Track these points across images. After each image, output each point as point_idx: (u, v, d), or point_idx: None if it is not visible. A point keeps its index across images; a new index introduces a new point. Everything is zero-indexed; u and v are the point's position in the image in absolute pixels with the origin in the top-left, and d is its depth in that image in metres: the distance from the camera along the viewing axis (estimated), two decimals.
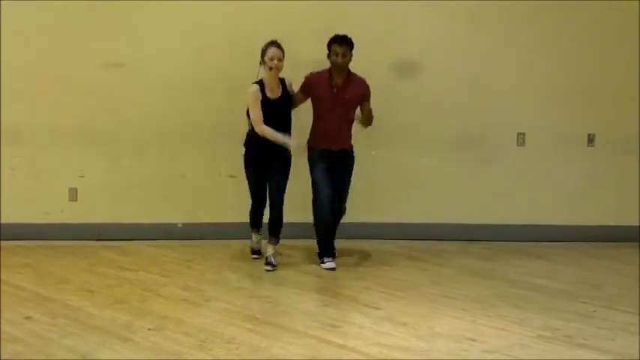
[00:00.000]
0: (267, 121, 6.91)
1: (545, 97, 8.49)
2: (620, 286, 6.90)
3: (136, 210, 8.25)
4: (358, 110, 7.31)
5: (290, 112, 7.15)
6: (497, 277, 7.10)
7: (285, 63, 6.94)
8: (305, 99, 7.24)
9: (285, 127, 7.00)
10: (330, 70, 7.12)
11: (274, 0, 7.98)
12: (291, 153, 6.95)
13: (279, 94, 7.02)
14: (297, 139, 7.01)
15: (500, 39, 8.41)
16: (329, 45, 7.05)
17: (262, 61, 6.90)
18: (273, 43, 6.89)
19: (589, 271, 7.45)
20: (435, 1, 8.29)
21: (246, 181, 7.22)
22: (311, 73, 7.21)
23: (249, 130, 7.09)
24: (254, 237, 7.51)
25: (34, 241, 7.93)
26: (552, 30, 8.39)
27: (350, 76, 7.17)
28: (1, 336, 5.24)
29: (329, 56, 7.06)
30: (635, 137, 8.52)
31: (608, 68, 8.47)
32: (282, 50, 6.90)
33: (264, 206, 7.27)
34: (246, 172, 7.19)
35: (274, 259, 7.17)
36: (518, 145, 8.54)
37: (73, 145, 8.10)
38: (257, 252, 7.53)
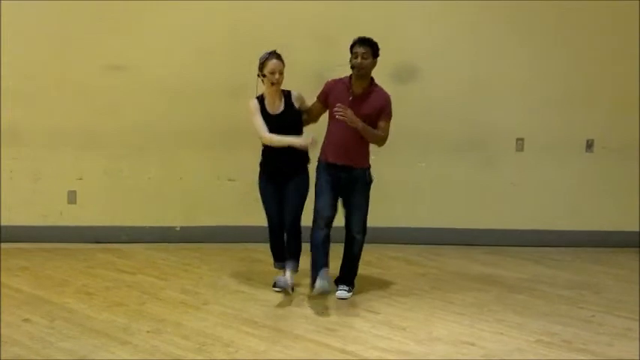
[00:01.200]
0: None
1: (543, 102, 8.48)
2: (619, 291, 6.90)
3: (134, 213, 8.24)
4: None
5: (298, 126, 6.46)
6: (495, 282, 7.09)
7: (285, 68, 6.45)
8: (323, 108, 6.52)
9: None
10: (349, 78, 6.38)
11: (276, 2, 7.98)
12: (305, 147, 6.29)
13: (282, 109, 6.39)
14: (307, 136, 6.36)
15: (499, 44, 8.41)
16: (351, 48, 6.32)
17: (261, 75, 6.33)
18: (273, 54, 6.30)
19: (588, 276, 7.45)
20: (435, 6, 8.29)
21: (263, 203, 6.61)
22: (332, 80, 6.48)
23: (262, 149, 6.52)
24: (280, 268, 6.73)
25: (33, 244, 7.93)
26: (551, 35, 8.39)
27: (372, 86, 6.42)
28: (1, 339, 5.24)
29: (350, 60, 6.32)
30: (633, 143, 8.51)
31: (607, 74, 8.47)
32: (283, 62, 6.32)
33: (283, 231, 6.61)
34: (260, 188, 6.60)
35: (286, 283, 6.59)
36: (517, 150, 8.54)
37: (72, 147, 8.10)
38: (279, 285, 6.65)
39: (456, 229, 8.51)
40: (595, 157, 8.58)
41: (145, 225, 8.25)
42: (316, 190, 6.48)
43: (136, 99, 8.10)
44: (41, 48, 7.96)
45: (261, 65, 6.30)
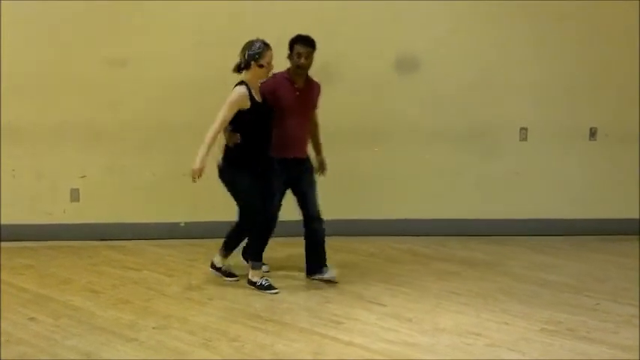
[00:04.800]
0: (262, 130, 6.34)
1: (547, 91, 8.49)
2: (623, 279, 6.90)
3: (138, 209, 8.24)
4: None
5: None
6: (500, 272, 7.10)
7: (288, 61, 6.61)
8: None
9: (271, 135, 6.44)
10: (288, 72, 6.62)
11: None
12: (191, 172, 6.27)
13: (262, 98, 6.42)
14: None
15: (502, 34, 8.41)
16: (291, 45, 6.55)
17: (258, 64, 6.26)
18: (268, 45, 6.29)
19: (592, 264, 7.45)
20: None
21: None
22: (268, 79, 6.52)
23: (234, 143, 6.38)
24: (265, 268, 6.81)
25: (37, 242, 7.93)
26: (555, 25, 8.39)
27: (308, 78, 6.72)
28: (6, 338, 5.24)
29: (290, 57, 6.56)
30: (637, 130, 8.51)
31: (610, 62, 8.47)
32: None
33: None
34: (243, 185, 6.42)
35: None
36: (520, 140, 8.54)
37: (74, 145, 8.09)
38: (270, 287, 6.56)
39: (460, 219, 8.51)
40: (598, 145, 8.58)
41: (149, 221, 8.25)
42: (274, 190, 6.55)
43: (139, 95, 8.09)
44: (42, 45, 7.94)
45: (258, 55, 6.25)
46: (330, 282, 6.65)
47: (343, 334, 5.38)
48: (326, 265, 6.77)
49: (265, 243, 6.56)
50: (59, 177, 8.13)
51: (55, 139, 8.06)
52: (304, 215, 6.77)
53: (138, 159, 8.18)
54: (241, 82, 6.31)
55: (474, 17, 8.36)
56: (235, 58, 6.35)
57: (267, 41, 6.31)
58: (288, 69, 6.63)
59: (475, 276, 6.96)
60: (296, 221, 6.80)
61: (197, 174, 6.22)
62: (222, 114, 6.25)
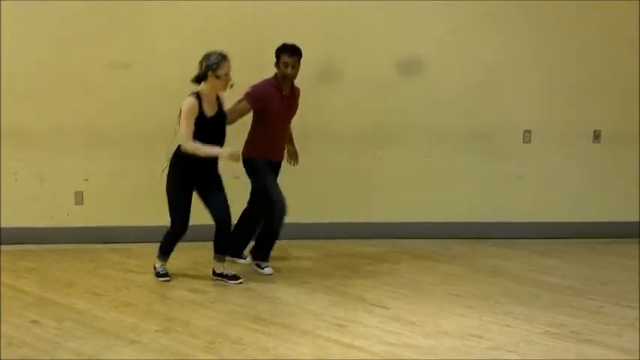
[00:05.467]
0: (201, 141, 6.36)
1: (551, 94, 8.48)
2: (626, 282, 6.89)
3: (141, 213, 8.23)
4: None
5: (225, 129, 6.59)
6: (503, 275, 7.10)
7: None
8: (250, 111, 6.88)
9: (220, 146, 6.50)
10: (275, 79, 6.85)
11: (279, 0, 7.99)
12: (228, 159, 6.47)
13: (216, 111, 6.52)
14: (228, 147, 6.56)
15: (507, 37, 8.40)
16: (277, 54, 6.79)
17: (215, 75, 6.36)
18: (225, 57, 6.40)
19: (595, 267, 7.44)
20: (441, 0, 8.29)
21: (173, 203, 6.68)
22: (259, 84, 6.87)
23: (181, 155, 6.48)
24: (164, 262, 6.97)
25: (40, 245, 7.94)
26: (559, 28, 8.38)
27: (293, 85, 6.97)
28: (8, 341, 5.25)
29: (277, 65, 6.79)
30: None
31: (614, 65, 8.45)
32: None
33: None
34: (175, 194, 6.64)
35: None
36: (524, 142, 8.53)
37: (77, 148, 8.09)
38: (166, 275, 6.89)
39: (463, 222, 8.51)
40: (602, 147, 8.57)
41: (152, 224, 8.23)
42: (267, 182, 6.92)
43: (142, 98, 8.09)
44: (45, 48, 7.95)
45: (215, 66, 6.35)
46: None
47: (346, 337, 5.38)
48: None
49: (168, 249, 6.96)
50: (62, 180, 8.14)
51: (58, 142, 8.06)
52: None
53: (141, 162, 8.17)
54: (194, 93, 6.43)
55: (476, 19, 8.35)
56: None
57: (225, 52, 6.42)
58: (276, 75, 6.84)
59: (478, 278, 6.96)
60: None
61: (235, 155, 6.45)
62: (182, 130, 6.37)
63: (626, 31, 8.41)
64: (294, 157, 7.28)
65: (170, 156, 6.59)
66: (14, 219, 8.01)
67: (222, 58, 6.36)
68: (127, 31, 8.05)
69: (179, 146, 6.46)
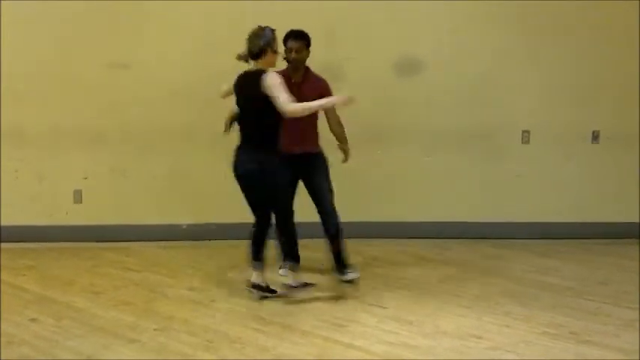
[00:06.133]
0: (275, 120, 6.08)
1: (549, 94, 8.47)
2: (625, 282, 6.88)
3: (140, 211, 8.26)
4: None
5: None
6: (502, 275, 7.10)
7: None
8: None
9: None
10: (287, 68, 6.66)
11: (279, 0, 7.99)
12: (343, 105, 6.21)
13: None
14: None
15: (505, 37, 8.39)
16: (284, 41, 6.57)
17: (273, 50, 6.16)
18: (274, 31, 6.22)
19: (594, 268, 7.44)
20: (441, 0, 8.30)
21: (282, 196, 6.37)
22: (277, 72, 6.45)
23: (268, 135, 6.16)
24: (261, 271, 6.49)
25: (39, 244, 7.95)
26: (558, 28, 8.37)
27: (308, 73, 6.70)
28: (7, 339, 5.26)
29: (285, 52, 6.58)
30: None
31: (613, 65, 8.44)
32: None
33: None
34: (280, 185, 6.30)
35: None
36: (522, 142, 8.52)
37: (76, 147, 8.11)
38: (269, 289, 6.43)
39: (462, 222, 8.51)
40: (601, 148, 8.55)
41: (151, 223, 8.26)
42: (284, 188, 6.44)
43: (141, 97, 8.11)
44: (44, 47, 7.97)
45: (272, 41, 6.16)
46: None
47: (345, 337, 5.39)
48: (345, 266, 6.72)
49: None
50: (61, 179, 8.15)
51: (58, 141, 8.08)
52: (319, 212, 6.78)
53: (140, 161, 8.19)
54: (262, 70, 6.11)
55: (476, 19, 8.35)
56: (240, 62, 6.32)
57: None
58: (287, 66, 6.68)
59: (476, 279, 6.96)
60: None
61: (347, 100, 6.12)
62: (283, 97, 5.94)
63: (625, 31, 8.40)
64: (344, 154, 6.97)
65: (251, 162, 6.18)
66: (14, 217, 8.04)
67: (274, 32, 6.20)
68: (127, 31, 8.06)
69: (264, 145, 6.15)
